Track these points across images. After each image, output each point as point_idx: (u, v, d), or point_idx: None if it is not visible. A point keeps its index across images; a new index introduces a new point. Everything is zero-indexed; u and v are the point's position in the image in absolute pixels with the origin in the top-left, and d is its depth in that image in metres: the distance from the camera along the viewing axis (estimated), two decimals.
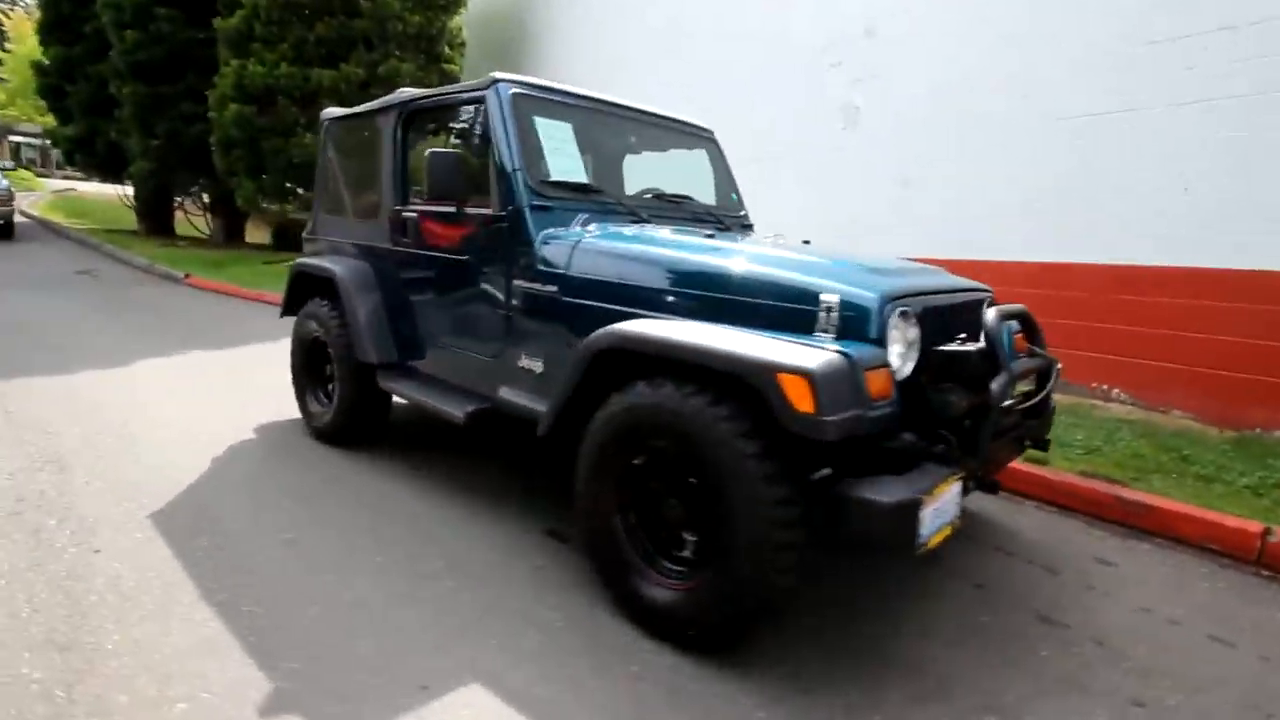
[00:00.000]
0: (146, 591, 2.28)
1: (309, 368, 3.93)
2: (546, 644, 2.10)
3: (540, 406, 2.62)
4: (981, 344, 2.13)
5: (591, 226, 2.79)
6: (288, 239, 12.51)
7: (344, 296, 3.49)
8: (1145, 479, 3.44)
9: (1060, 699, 1.97)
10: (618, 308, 2.40)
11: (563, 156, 2.96)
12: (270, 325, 6.01)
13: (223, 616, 2.16)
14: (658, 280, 2.36)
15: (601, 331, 2.22)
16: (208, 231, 14.82)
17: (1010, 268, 5.15)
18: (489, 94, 2.89)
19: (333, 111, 4.01)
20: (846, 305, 2.00)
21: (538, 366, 2.71)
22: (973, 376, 2.10)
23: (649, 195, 3.30)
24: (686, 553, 2.11)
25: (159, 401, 4.35)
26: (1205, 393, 4.38)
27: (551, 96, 3.02)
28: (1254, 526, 2.91)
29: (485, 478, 3.41)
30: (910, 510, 1.75)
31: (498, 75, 2.90)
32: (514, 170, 2.77)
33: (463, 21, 10.74)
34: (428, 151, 2.79)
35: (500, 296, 2.84)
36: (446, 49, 10.44)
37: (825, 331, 1.98)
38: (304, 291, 3.96)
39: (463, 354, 3.09)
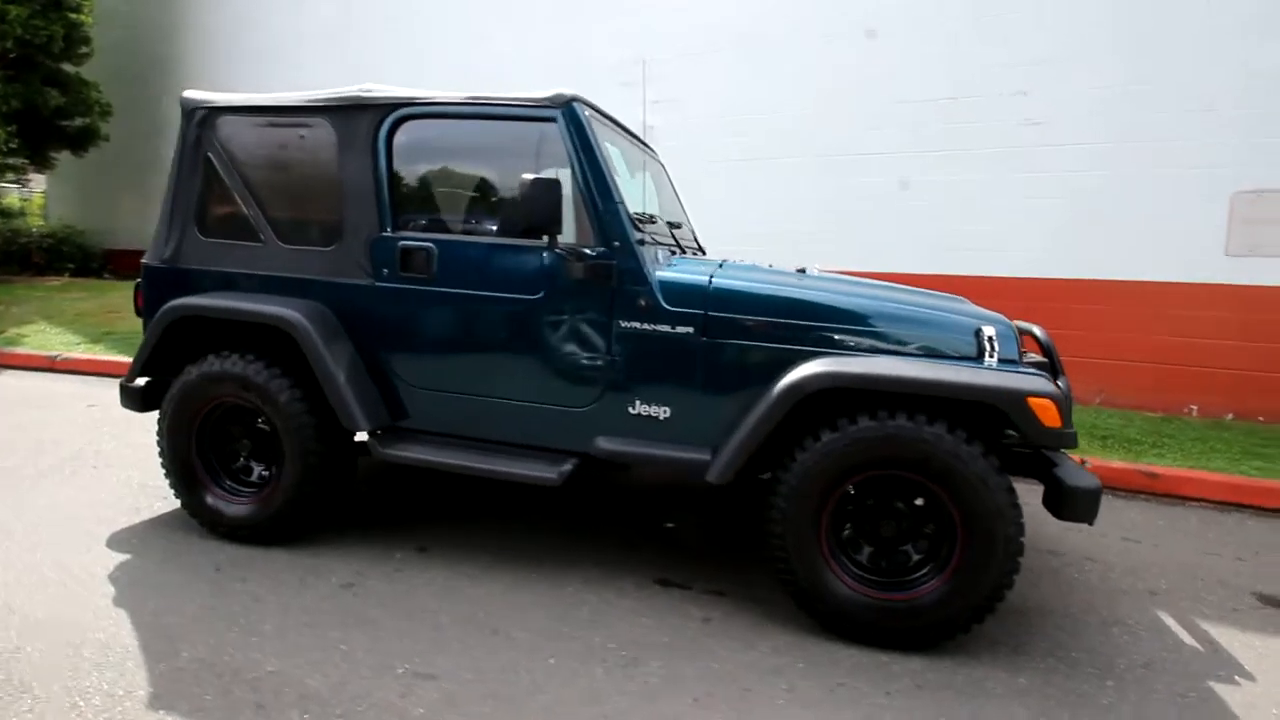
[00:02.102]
0: None
1: (207, 446, 2.91)
2: (821, 684, 2.11)
3: (682, 454, 2.51)
4: (1041, 357, 2.78)
5: (673, 261, 2.74)
6: None
7: (309, 349, 2.69)
8: None
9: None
10: (780, 346, 2.45)
11: (626, 185, 2.80)
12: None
13: None
14: (824, 319, 2.46)
15: (811, 374, 2.27)
16: None
17: None
18: (562, 115, 2.58)
19: (210, 98, 2.98)
20: (1001, 336, 2.43)
21: (661, 413, 2.56)
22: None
23: (648, 217, 3.26)
24: (913, 563, 2.32)
25: None
26: None
27: (602, 118, 2.82)
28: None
29: (521, 545, 3.02)
30: (1100, 491, 2.28)
31: (568, 93, 2.59)
32: (618, 203, 2.55)
33: None
34: (528, 177, 2.38)
35: (597, 340, 2.58)
36: None
37: (991, 358, 2.39)
38: (187, 344, 2.90)
39: (523, 407, 2.69)
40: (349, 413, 2.71)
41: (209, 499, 2.90)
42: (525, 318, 2.65)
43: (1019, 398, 2.14)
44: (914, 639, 2.28)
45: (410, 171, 2.84)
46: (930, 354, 2.41)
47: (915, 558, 2.32)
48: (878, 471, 2.27)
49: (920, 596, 2.26)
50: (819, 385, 2.26)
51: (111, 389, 5.62)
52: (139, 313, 3.21)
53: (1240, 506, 3.76)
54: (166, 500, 3.29)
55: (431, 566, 2.77)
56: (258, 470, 2.94)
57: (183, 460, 2.91)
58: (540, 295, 2.62)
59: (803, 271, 2.87)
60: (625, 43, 7.12)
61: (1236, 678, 2.24)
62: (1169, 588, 2.85)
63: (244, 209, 2.94)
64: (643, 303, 2.53)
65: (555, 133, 2.60)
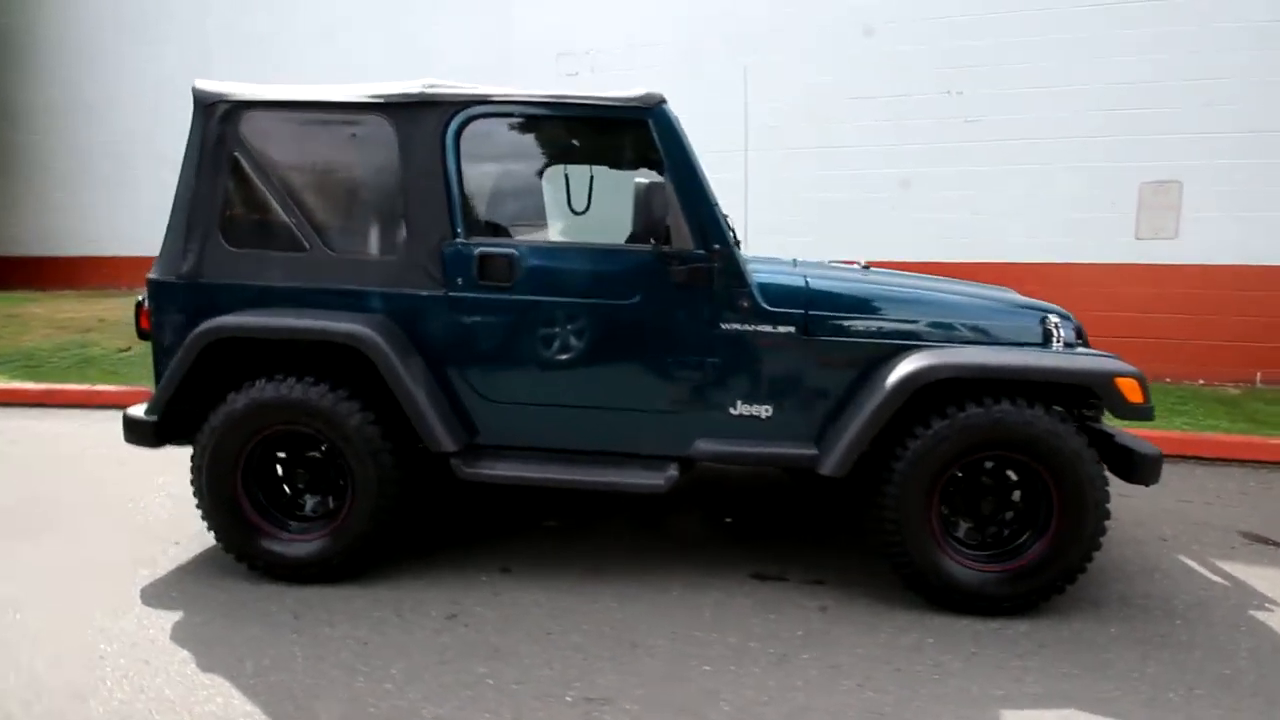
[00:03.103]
0: None
1: (254, 481, 2.63)
2: (957, 656, 2.25)
3: (787, 450, 2.59)
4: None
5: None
6: None
7: (386, 367, 2.49)
8: None
9: None
10: (874, 342, 2.57)
11: None
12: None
13: None
14: (917, 315, 2.61)
15: (930, 365, 2.39)
16: None
17: None
18: (654, 116, 2.53)
19: (235, 91, 2.64)
20: (1062, 323, 2.68)
21: (763, 412, 2.60)
22: None
23: None
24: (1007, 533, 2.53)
25: None
26: None
27: None
28: None
29: (601, 555, 2.97)
30: (1162, 457, 2.57)
31: (658, 93, 2.54)
32: (714, 205, 2.55)
33: None
34: (642, 181, 2.33)
35: (696, 342, 2.58)
36: None
37: (1058, 343, 2.64)
38: (226, 366, 2.60)
39: (616, 413, 2.64)
40: (432, 433, 2.54)
41: (263, 540, 2.61)
42: (620, 323, 2.59)
43: (1109, 378, 2.39)
44: (1016, 604, 2.48)
45: (478, 172, 2.68)
46: (1010, 342, 2.62)
47: (1013, 529, 2.53)
48: (983, 454, 2.44)
49: (1024, 564, 2.46)
50: (939, 376, 2.39)
51: (22, 419, 4.87)
52: (143, 335, 2.82)
53: (1184, 458, 4.36)
54: (180, 544, 2.95)
55: (526, 586, 2.67)
56: (312, 503, 2.69)
57: (228, 499, 2.60)
58: (636, 299, 2.57)
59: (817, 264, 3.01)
60: (565, 31, 7.01)
61: (1266, 605, 2.63)
62: (1173, 534, 3.28)
63: (283, 215, 2.64)
64: (744, 304, 2.56)
65: (641, 132, 2.56)
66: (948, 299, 2.69)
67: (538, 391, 2.66)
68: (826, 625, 2.45)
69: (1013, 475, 2.52)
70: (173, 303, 2.70)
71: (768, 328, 2.57)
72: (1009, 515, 2.55)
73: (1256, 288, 5.33)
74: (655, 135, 2.54)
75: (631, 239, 2.54)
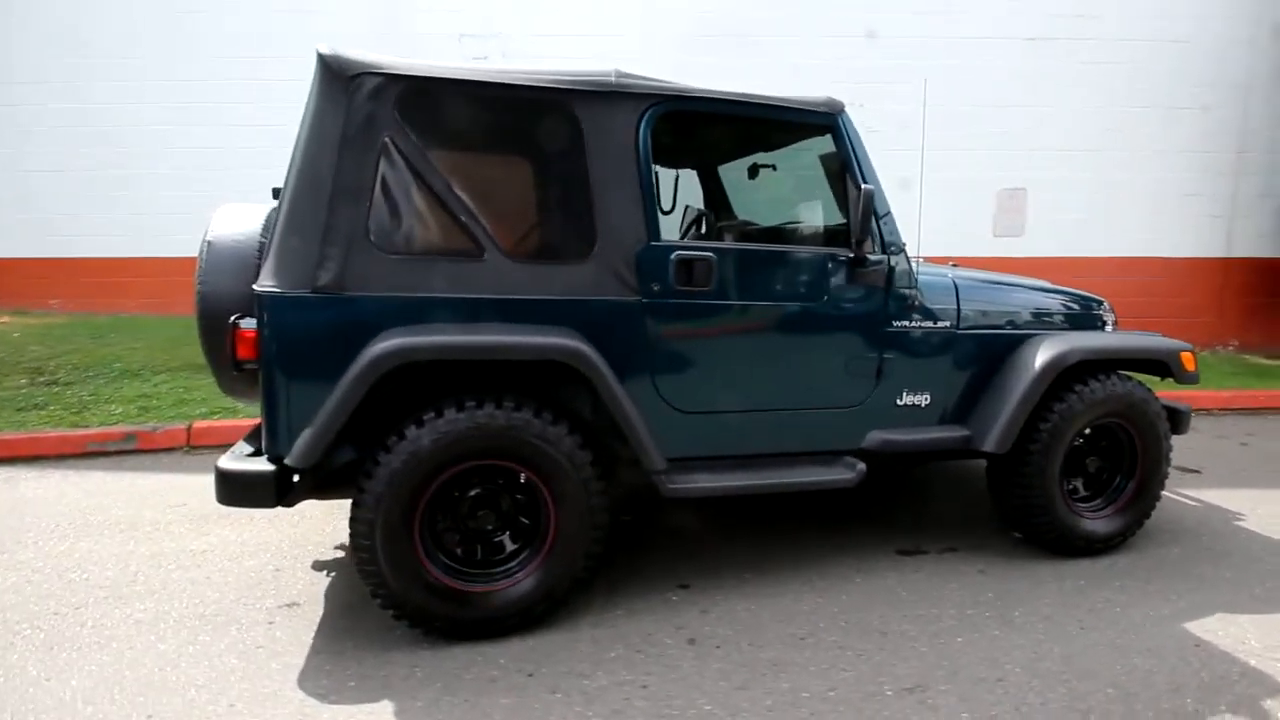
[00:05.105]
0: None
1: (431, 530, 2.24)
2: (1098, 598, 2.67)
3: (946, 434, 2.84)
4: None
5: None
6: None
7: (602, 384, 2.27)
8: None
9: None
10: (1005, 333, 2.93)
11: None
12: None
13: None
14: (1030, 307, 3.03)
15: (1067, 349, 2.78)
16: None
17: None
18: (839, 121, 2.60)
19: (388, 62, 2.16)
20: (1109, 309, 3.28)
21: (923, 400, 2.83)
22: None
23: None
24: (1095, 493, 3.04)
25: None
26: None
27: None
28: None
29: (763, 554, 2.99)
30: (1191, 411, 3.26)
31: (839, 99, 2.60)
32: (889, 209, 2.68)
33: None
34: (870, 187, 2.38)
35: (872, 339, 2.72)
36: None
37: (1109, 325, 3.22)
38: (399, 392, 2.18)
39: (799, 414, 2.68)
40: (647, 450, 2.37)
41: (451, 597, 2.23)
42: (808, 324, 2.64)
43: (1177, 353, 2.99)
44: (1122, 538, 3.01)
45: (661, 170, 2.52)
46: (1088, 326, 3.13)
47: (1106, 477, 3.05)
48: (1095, 424, 2.92)
49: (1123, 504, 2.99)
50: (1076, 359, 2.80)
51: None
52: (238, 365, 2.21)
53: None
54: (299, 606, 2.39)
55: (725, 598, 2.60)
56: (510, 547, 2.35)
57: (408, 555, 2.17)
58: (824, 300, 2.64)
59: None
60: (467, 14, 6.53)
61: (1244, 513, 3.49)
62: None
63: (451, 215, 2.24)
64: (914, 302, 2.75)
65: (823, 135, 2.62)
66: (1041, 294, 3.15)
67: (728, 398, 2.59)
68: (999, 585, 2.74)
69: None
70: (305, 322, 2.16)
71: (929, 324, 2.80)
72: (1097, 467, 3.07)
73: (1088, 274, 6.78)
74: (842, 139, 2.61)
75: (827, 240, 2.60)
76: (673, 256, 2.44)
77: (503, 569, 2.32)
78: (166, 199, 6.92)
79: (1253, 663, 2.26)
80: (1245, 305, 6.92)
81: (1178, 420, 3.16)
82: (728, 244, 2.63)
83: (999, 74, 6.73)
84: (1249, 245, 6.94)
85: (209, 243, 2.46)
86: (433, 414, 2.15)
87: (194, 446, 4.32)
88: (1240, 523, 3.40)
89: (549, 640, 2.31)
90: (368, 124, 2.15)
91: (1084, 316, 3.20)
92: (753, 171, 3.22)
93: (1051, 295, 3.20)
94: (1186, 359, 3.04)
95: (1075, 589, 2.73)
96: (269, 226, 2.52)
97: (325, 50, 2.16)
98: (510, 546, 2.34)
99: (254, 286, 2.18)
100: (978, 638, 2.39)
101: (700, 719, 1.96)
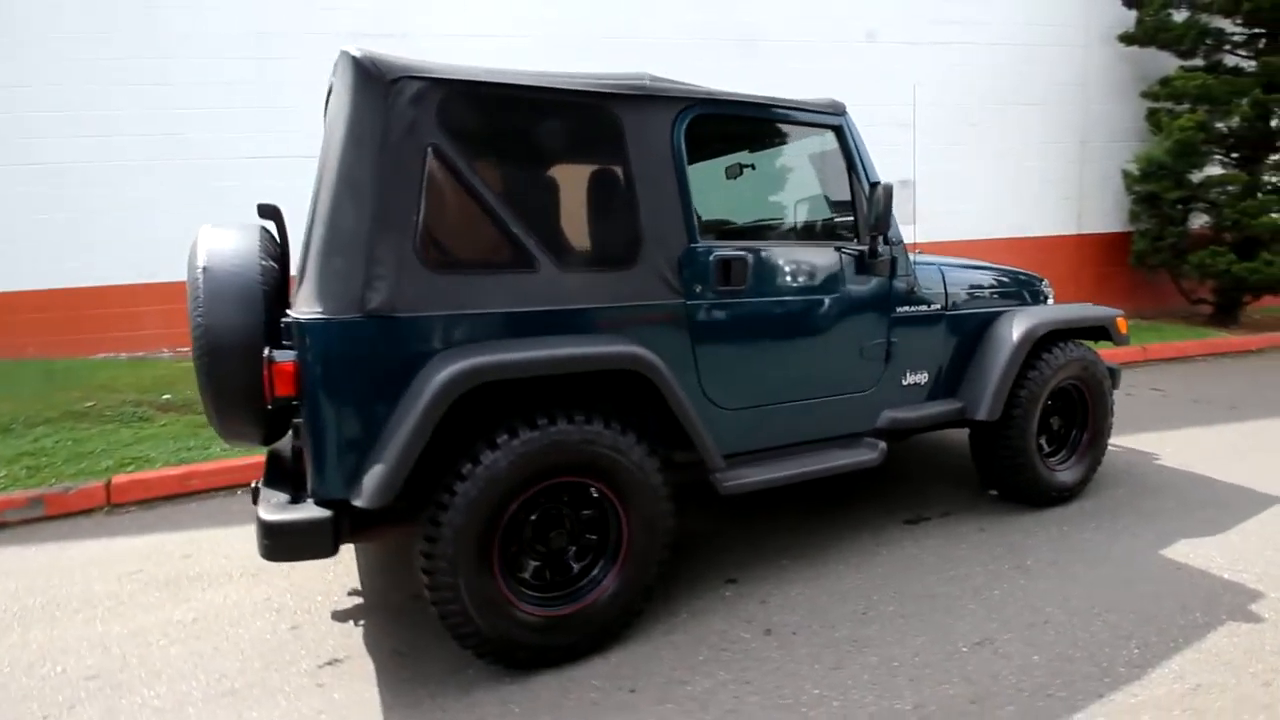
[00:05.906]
0: None
1: (495, 552, 2.14)
2: (1108, 538, 3.02)
3: (943, 408, 3.07)
4: None
5: None
6: None
7: (669, 390, 2.26)
8: None
9: None
10: (981, 311, 3.22)
11: None
12: None
13: None
14: (1000, 288, 3.34)
15: (1034, 324, 3.09)
16: None
17: None
18: (844, 122, 2.73)
19: (426, 66, 2.01)
20: (1048, 285, 3.69)
21: (922, 378, 3.05)
22: None
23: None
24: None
25: None
26: None
27: None
28: None
29: (803, 543, 3.08)
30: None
31: (837, 100, 2.73)
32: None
33: None
34: (889, 183, 2.52)
35: (881, 325, 2.90)
36: None
37: (1049, 298, 3.63)
38: (471, 412, 2.05)
39: (824, 402, 2.80)
40: (709, 451, 2.39)
41: (531, 628, 2.13)
42: (830, 316, 2.76)
43: (1114, 319, 3.43)
44: (1086, 483, 3.40)
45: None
46: (1041, 300, 3.50)
47: (1064, 431, 3.44)
48: (1057, 386, 3.27)
49: (1082, 452, 3.38)
50: (1045, 330, 3.12)
51: None
52: (276, 401, 1.98)
53: None
54: (342, 663, 2.18)
55: (776, 588, 2.66)
56: (576, 567, 2.26)
57: (486, 587, 2.04)
58: (844, 291, 2.77)
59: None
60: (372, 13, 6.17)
61: (1157, 453, 4.04)
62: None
63: (501, 226, 2.13)
64: (912, 289, 2.96)
65: (827, 134, 2.75)
66: (1001, 274, 3.48)
67: (766, 392, 2.66)
68: (1001, 539, 3.01)
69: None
70: (357, 348, 1.97)
71: (924, 307, 3.02)
72: (1056, 423, 3.45)
73: (986, 255, 7.51)
74: (846, 138, 2.75)
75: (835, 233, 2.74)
76: (713, 257, 2.47)
77: (588, 579, 2.24)
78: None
79: (1226, 576, 2.65)
80: (1096, 274, 7.99)
81: (1114, 377, 3.62)
82: (759, 242, 2.69)
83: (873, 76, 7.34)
84: (1095, 222, 8.03)
85: (204, 269, 2.17)
86: (506, 435, 2.04)
87: (116, 505, 3.76)
88: (1160, 461, 3.94)
89: (631, 654, 2.27)
90: (410, 132, 2.00)
91: (1034, 293, 3.58)
92: (730, 172, 3.32)
93: (1007, 275, 3.55)
94: (1120, 324, 3.49)
95: (1060, 534, 3.06)
96: (265, 249, 2.28)
97: (357, 52, 1.98)
98: (575, 566, 2.27)
99: (290, 314, 1.96)
100: (1010, 588, 2.62)
101: (815, 703, 2.01)
